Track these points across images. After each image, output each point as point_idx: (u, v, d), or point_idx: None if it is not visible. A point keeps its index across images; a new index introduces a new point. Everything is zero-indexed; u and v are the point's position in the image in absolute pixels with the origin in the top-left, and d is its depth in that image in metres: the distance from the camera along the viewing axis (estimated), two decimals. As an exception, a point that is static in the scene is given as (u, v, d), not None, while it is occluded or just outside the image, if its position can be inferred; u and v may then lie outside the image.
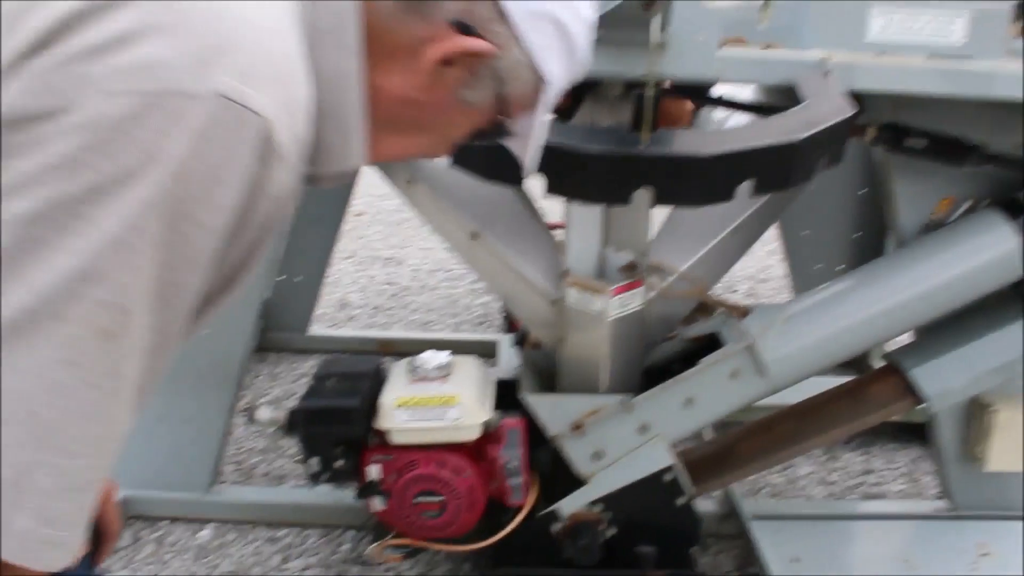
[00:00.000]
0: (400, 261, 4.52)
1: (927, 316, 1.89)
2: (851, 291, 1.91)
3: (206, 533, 2.28)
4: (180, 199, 0.66)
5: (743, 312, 1.90)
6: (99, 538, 1.17)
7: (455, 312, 3.86)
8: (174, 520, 2.32)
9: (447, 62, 0.84)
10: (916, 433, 2.65)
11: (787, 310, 1.90)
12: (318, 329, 3.48)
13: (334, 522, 2.27)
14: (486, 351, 3.15)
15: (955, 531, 2.14)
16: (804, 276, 3.04)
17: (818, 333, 1.89)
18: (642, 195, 1.48)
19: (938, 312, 1.89)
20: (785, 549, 2.05)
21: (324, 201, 3.06)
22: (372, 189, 5.42)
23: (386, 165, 2.11)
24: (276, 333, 3.34)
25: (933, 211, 1.96)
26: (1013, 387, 2.00)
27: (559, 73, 0.91)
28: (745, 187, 1.46)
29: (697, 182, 1.48)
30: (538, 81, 0.91)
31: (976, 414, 2.06)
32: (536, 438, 1.88)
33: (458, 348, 2.97)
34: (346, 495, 2.19)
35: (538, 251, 1.97)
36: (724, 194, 1.48)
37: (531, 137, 0.98)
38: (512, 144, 1.01)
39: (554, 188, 1.53)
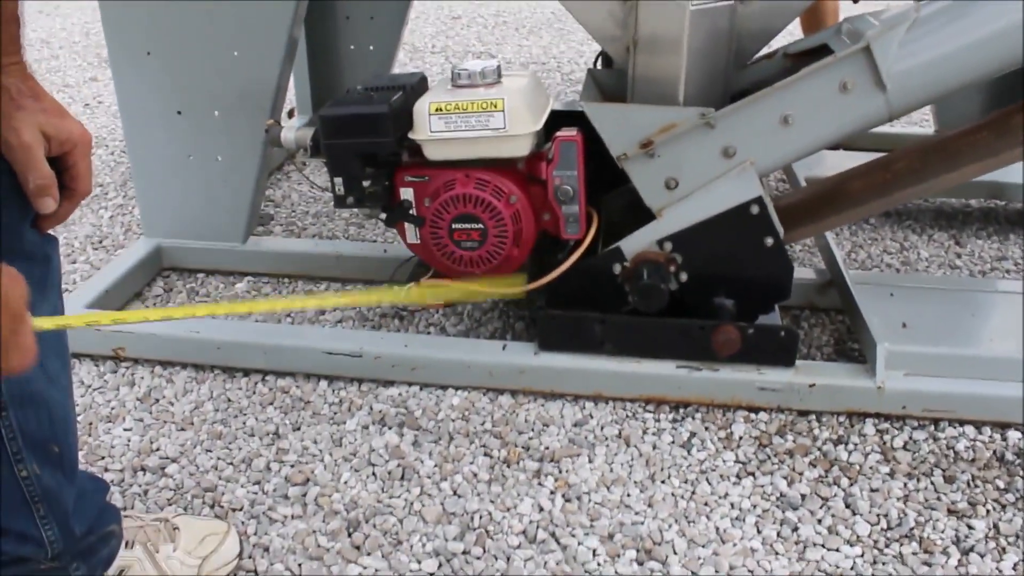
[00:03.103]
0: (493, 55, 4.19)
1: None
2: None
3: (241, 286, 2.09)
4: None
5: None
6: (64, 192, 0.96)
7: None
8: (209, 273, 2.14)
9: None
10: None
11: (916, 9, 1.50)
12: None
13: (375, 276, 2.04)
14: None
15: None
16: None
17: (958, 40, 1.49)
18: None
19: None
20: (893, 313, 1.71)
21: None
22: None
23: None
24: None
25: None
26: None
27: None
28: None
29: None
30: None
31: None
32: (598, 163, 1.58)
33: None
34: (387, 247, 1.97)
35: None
36: None
37: None
38: None
39: None
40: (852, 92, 1.50)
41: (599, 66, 1.96)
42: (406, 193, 1.60)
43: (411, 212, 1.60)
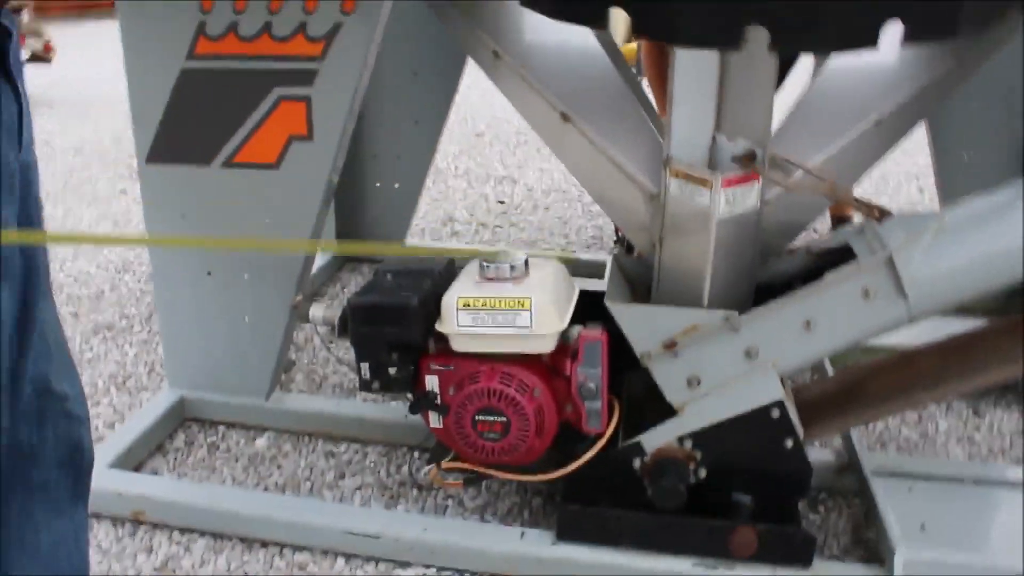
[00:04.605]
0: (515, 180, 4.27)
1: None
2: (1017, 203, 1.51)
3: (262, 442, 2.10)
4: None
5: (883, 215, 1.55)
6: None
7: (565, 232, 3.60)
8: (231, 426, 2.16)
9: None
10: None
11: (940, 218, 1.53)
12: (414, 241, 3.27)
13: (396, 440, 2.06)
14: (595, 272, 2.88)
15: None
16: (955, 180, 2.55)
17: (975, 250, 1.52)
18: (757, 36, 1.16)
19: None
20: (911, 514, 1.70)
21: (423, 99, 2.82)
22: (495, 110, 5.23)
23: (470, 36, 1.85)
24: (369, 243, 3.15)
25: None
26: None
27: None
28: (893, 31, 1.12)
29: (831, 18, 1.14)
30: None
31: None
32: (622, 357, 1.60)
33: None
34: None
35: (637, 137, 1.67)
36: (866, 37, 1.14)
37: None
38: None
39: (640, 28, 1.22)
40: (874, 299, 1.53)
41: (620, 247, 2.00)
42: (431, 381, 1.62)
43: (436, 402, 1.62)
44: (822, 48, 1.25)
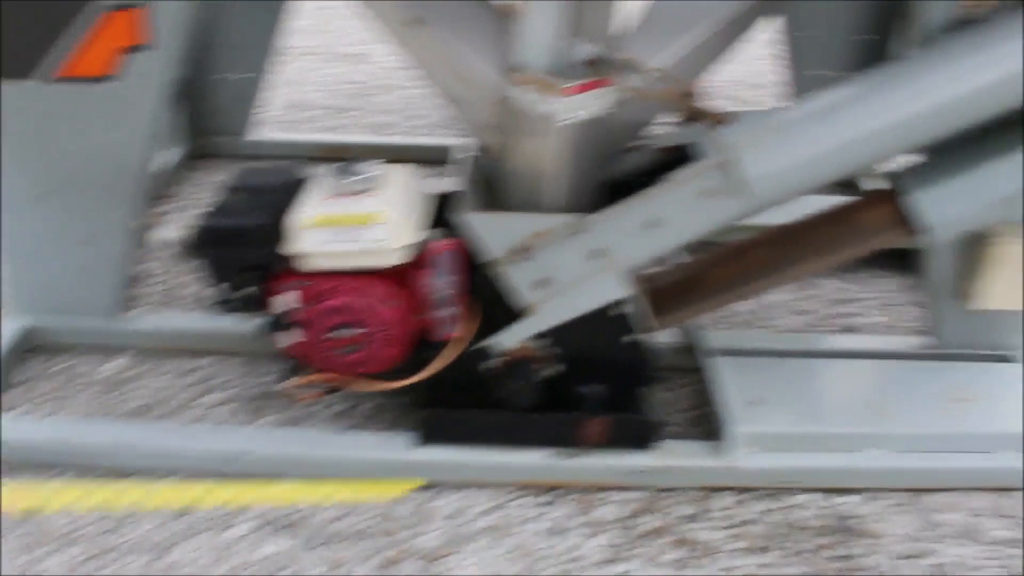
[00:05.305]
0: (364, 58, 4.14)
1: (936, 133, 1.60)
2: (852, 100, 1.59)
3: (116, 364, 2.05)
4: None
5: (722, 120, 1.60)
6: None
7: (417, 114, 3.54)
8: (81, 351, 2.09)
9: None
10: (900, 260, 2.43)
11: (774, 119, 1.60)
12: (260, 133, 3.15)
13: (258, 350, 2.04)
14: (444, 157, 2.88)
15: (931, 373, 1.94)
16: (807, 84, 2.66)
17: (809, 148, 1.59)
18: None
19: (949, 129, 1.59)
20: (746, 390, 1.85)
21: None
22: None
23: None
24: (211, 138, 3.02)
25: (965, 4, 1.62)
26: (1013, 218, 1.74)
27: None
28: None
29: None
30: None
31: (972, 247, 1.81)
32: (475, 262, 1.64)
33: (413, 155, 2.73)
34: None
35: (487, 41, 1.64)
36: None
37: None
38: None
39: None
40: (715, 197, 1.60)
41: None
42: (285, 299, 1.62)
43: (290, 321, 1.62)
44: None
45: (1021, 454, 1.79)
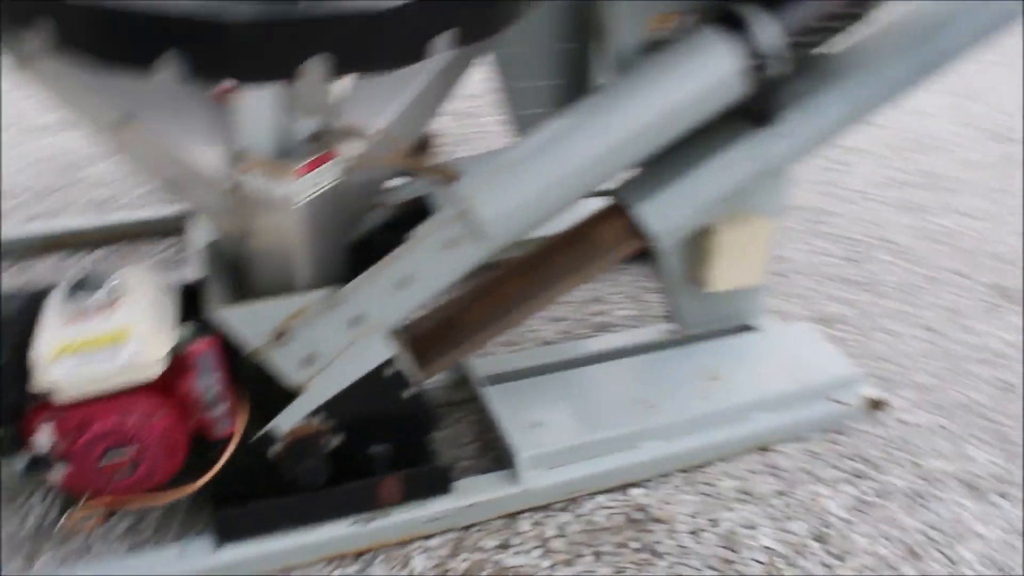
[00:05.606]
0: (66, 126, 3.86)
1: (647, 150, 1.76)
2: (568, 131, 1.71)
3: None
4: None
5: (452, 175, 1.67)
6: None
7: (138, 181, 3.35)
8: None
9: None
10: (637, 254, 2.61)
11: (499, 160, 1.69)
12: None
13: (18, 489, 1.88)
14: (180, 226, 2.81)
15: (684, 358, 2.13)
16: (524, 123, 2.73)
17: (538, 182, 1.70)
18: (316, 65, 1.19)
19: (661, 143, 1.76)
20: (523, 414, 1.94)
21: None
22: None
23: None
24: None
25: (651, 27, 1.79)
26: (731, 207, 1.95)
27: None
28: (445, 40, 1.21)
29: (384, 39, 1.20)
30: None
31: (697, 237, 2.00)
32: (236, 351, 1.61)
33: (145, 230, 2.60)
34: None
35: (207, 129, 1.61)
36: (417, 52, 1.22)
37: None
38: None
39: (200, 71, 1.20)
40: (459, 245, 1.67)
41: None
42: (43, 436, 1.51)
43: (51, 460, 1.52)
44: (379, 68, 1.35)
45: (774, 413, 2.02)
